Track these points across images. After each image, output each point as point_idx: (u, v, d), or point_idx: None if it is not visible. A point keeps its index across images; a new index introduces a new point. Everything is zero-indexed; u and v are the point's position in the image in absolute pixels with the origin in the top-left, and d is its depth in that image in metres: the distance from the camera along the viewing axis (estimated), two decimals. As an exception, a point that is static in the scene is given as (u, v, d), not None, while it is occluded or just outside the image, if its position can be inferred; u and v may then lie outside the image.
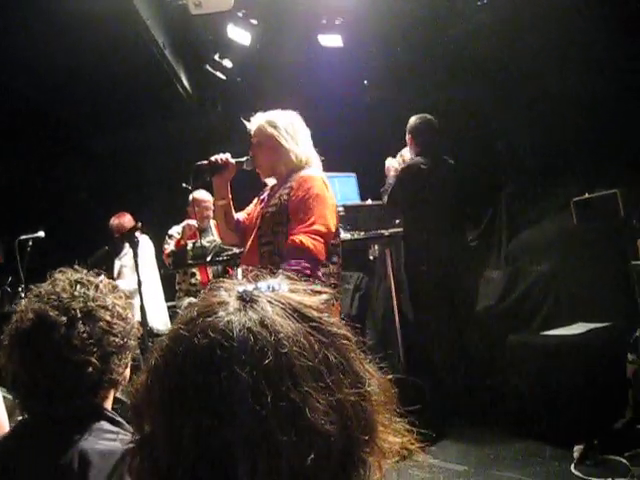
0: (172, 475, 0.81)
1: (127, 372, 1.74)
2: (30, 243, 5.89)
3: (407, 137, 5.49)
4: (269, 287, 0.91)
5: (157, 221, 5.72)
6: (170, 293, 6.11)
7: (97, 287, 1.68)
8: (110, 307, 1.65)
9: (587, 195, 5.41)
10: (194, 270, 5.91)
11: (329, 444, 0.80)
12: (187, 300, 5.73)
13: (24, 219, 6.62)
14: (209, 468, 0.79)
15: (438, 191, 5.26)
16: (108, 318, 1.63)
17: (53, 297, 1.60)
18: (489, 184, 6.32)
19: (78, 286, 1.64)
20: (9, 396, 3.21)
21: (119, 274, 5.78)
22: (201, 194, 5.55)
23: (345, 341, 0.88)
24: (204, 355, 0.81)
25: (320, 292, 0.94)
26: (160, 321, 5.58)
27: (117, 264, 5.77)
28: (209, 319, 0.85)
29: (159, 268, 5.87)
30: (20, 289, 5.70)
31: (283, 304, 0.87)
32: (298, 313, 0.86)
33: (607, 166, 5.43)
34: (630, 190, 5.15)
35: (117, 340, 1.64)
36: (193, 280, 5.93)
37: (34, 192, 7.64)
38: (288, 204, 3.22)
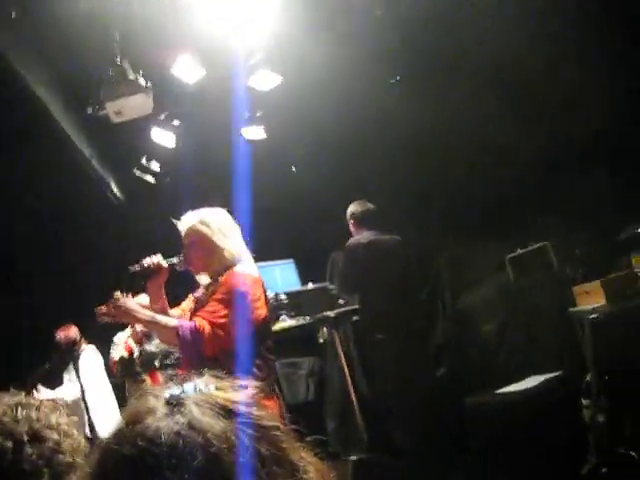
0: None
1: None
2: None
3: (351, 223, 5.66)
4: (195, 388, 0.91)
5: (102, 328, 5.61)
6: (122, 401, 5.95)
7: (38, 408, 1.64)
8: (55, 426, 1.62)
9: (520, 251, 5.57)
10: (144, 377, 5.80)
11: None
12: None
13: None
14: None
15: (383, 261, 5.40)
16: (55, 437, 1.59)
17: None
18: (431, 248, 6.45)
19: (19, 408, 1.61)
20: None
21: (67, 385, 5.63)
22: (141, 298, 5.49)
23: (277, 432, 0.89)
24: (135, 465, 0.81)
25: (246, 386, 0.95)
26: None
27: (66, 377, 5.62)
28: (138, 427, 0.85)
29: (109, 377, 5.75)
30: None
31: (210, 403, 0.87)
32: (225, 410, 0.87)
33: (537, 220, 5.62)
34: (560, 241, 5.34)
35: (66, 459, 1.60)
36: (144, 386, 5.81)
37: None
38: (211, 297, 3.26)
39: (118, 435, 0.86)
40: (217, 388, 0.92)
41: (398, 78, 6.69)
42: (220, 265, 3.35)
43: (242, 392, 0.93)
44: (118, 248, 7.36)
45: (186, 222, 3.45)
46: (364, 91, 6.66)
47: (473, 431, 4.74)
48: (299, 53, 6.06)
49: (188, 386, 0.92)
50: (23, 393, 1.70)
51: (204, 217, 3.42)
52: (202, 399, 0.88)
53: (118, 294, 3.23)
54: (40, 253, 7.66)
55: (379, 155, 6.77)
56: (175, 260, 3.46)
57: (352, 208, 5.65)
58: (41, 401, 1.66)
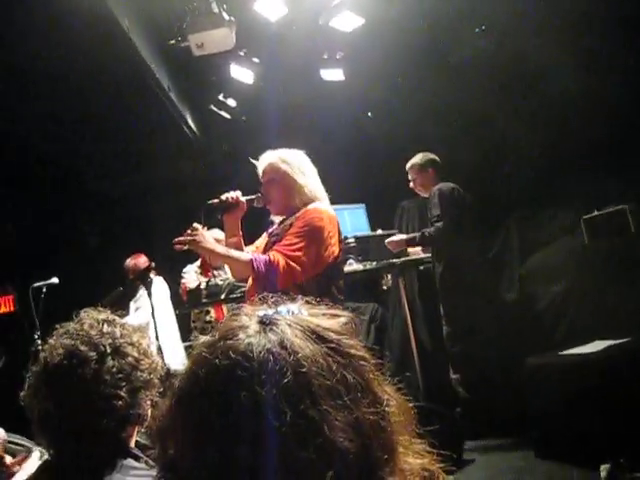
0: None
1: (150, 410, 1.76)
2: (44, 290, 5.90)
3: (429, 172, 5.55)
4: (288, 311, 0.94)
5: (170, 261, 5.74)
6: (185, 333, 6.12)
7: (123, 325, 1.71)
8: (136, 344, 1.68)
9: (596, 212, 5.43)
10: (208, 308, 5.93)
11: (348, 462, 0.82)
12: (203, 338, 5.73)
13: (37, 266, 6.66)
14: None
15: (470, 214, 5.43)
16: (135, 354, 1.66)
17: (82, 334, 1.63)
18: (499, 207, 6.33)
19: (105, 324, 1.67)
20: (26, 443, 3.22)
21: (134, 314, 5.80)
22: (214, 233, 5.59)
23: (363, 362, 0.91)
24: (225, 376, 0.84)
25: (339, 315, 0.96)
26: (177, 361, 5.58)
27: (132, 306, 5.79)
28: (230, 342, 0.88)
29: (174, 308, 5.89)
30: (35, 336, 5.71)
31: (302, 327, 0.90)
32: (316, 335, 0.89)
33: (615, 182, 5.44)
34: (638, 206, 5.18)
35: (144, 376, 1.66)
36: (208, 318, 5.94)
37: (45, 239, 7.69)
38: (287, 232, 3.28)
39: (211, 346, 0.89)
40: (310, 314, 0.94)
41: (483, 28, 6.51)
42: (300, 201, 3.37)
43: (334, 320, 0.94)
44: (191, 182, 7.49)
45: (265, 160, 3.46)
46: (447, 39, 6.52)
47: (533, 390, 4.69)
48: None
49: (282, 308, 0.95)
50: (109, 310, 1.76)
51: (284, 155, 3.43)
52: (295, 322, 0.91)
53: (196, 225, 3.28)
54: (114, 179, 7.85)
55: (454, 107, 6.63)
56: (254, 197, 3.49)
57: (430, 157, 5.58)
58: (127, 321, 1.72)
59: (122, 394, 1.60)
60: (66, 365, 1.60)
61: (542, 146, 6.03)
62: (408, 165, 5.60)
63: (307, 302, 0.99)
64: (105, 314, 1.74)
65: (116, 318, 1.74)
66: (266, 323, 0.90)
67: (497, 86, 6.24)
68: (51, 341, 1.67)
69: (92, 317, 1.70)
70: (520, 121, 6.13)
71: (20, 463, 2.78)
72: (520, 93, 6.24)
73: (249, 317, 0.93)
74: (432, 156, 5.58)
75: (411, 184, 5.63)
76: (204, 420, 0.83)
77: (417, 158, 5.58)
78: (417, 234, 5.38)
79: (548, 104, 6.00)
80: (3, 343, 7.21)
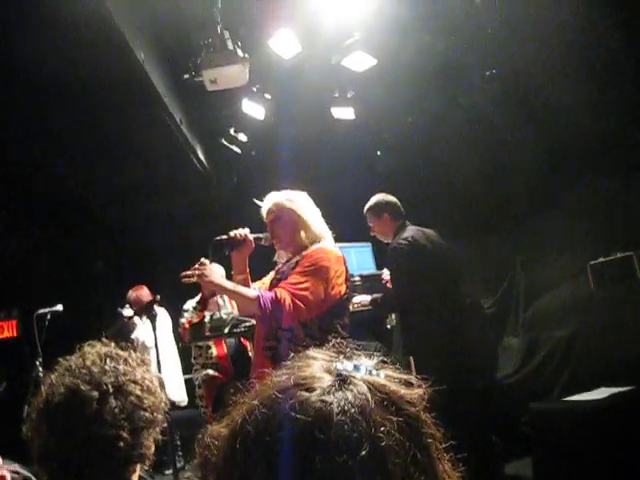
0: None
1: (153, 447, 1.74)
2: (48, 317, 5.89)
3: (383, 216, 5.02)
4: (367, 370, 0.87)
5: (172, 294, 5.73)
6: (185, 366, 6.10)
7: (126, 361, 1.69)
8: (140, 381, 1.66)
9: (602, 259, 5.42)
10: (210, 344, 5.89)
11: None
12: (204, 372, 5.70)
13: (41, 291, 6.67)
14: None
15: (441, 264, 4.94)
16: (138, 393, 1.63)
17: (84, 371, 1.61)
18: (505, 249, 6.33)
19: (108, 360, 1.65)
20: (23, 471, 3.19)
21: (135, 348, 5.78)
22: (215, 268, 5.59)
23: (431, 440, 0.85)
24: (301, 433, 0.78)
25: (413, 384, 0.90)
26: (177, 393, 5.54)
27: (134, 336, 5.78)
28: (305, 394, 0.82)
29: (176, 341, 5.89)
30: (37, 362, 5.69)
31: (381, 393, 0.84)
32: (395, 406, 0.83)
33: (622, 229, 5.45)
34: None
35: (147, 415, 1.64)
36: (209, 353, 5.90)
37: (50, 265, 7.72)
38: (293, 270, 3.28)
39: (285, 392, 0.84)
40: (388, 377, 0.88)
41: (494, 71, 6.57)
42: (305, 239, 3.38)
43: (410, 390, 0.88)
44: (199, 215, 7.52)
45: (270, 200, 3.50)
46: (457, 83, 6.58)
47: (537, 436, 4.64)
48: (396, 38, 6.02)
49: (361, 366, 0.88)
50: (113, 344, 1.74)
51: (289, 195, 3.49)
52: (374, 385, 0.84)
53: (204, 260, 3.30)
54: (122, 208, 7.88)
55: (464, 149, 6.67)
56: (262, 235, 3.51)
57: (384, 200, 5.05)
58: (129, 354, 1.70)
59: (124, 435, 1.58)
60: (67, 404, 1.58)
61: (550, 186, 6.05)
62: (364, 210, 5.12)
63: (383, 362, 0.91)
64: (108, 348, 1.73)
65: (120, 352, 1.72)
66: (345, 381, 0.84)
67: (510, 130, 6.28)
68: (53, 377, 1.65)
69: (95, 352, 1.68)
70: (531, 157, 6.16)
71: None
72: (532, 131, 6.27)
73: (325, 367, 0.87)
74: (388, 198, 5.08)
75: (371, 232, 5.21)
76: (269, 469, 0.78)
77: (370, 202, 5.09)
78: (378, 296, 5.02)
79: (561, 143, 6.02)
80: (4, 367, 7.20)
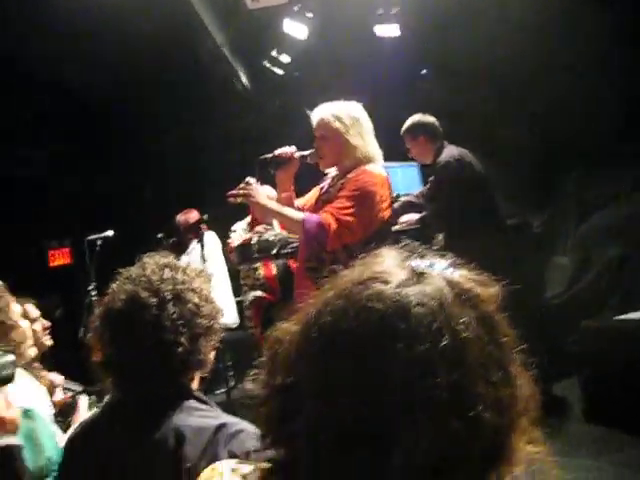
0: (317, 427, 0.80)
1: (212, 355, 1.77)
2: (99, 242, 5.99)
3: (419, 138, 5.00)
4: (442, 268, 0.87)
5: (222, 218, 5.77)
6: (235, 288, 6.18)
7: (184, 271, 1.71)
8: (197, 290, 1.68)
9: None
10: (257, 265, 5.94)
11: (494, 440, 0.78)
12: (252, 294, 5.76)
13: (91, 220, 6.78)
14: (356, 439, 0.77)
15: (485, 182, 4.97)
16: (196, 300, 1.66)
17: (144, 279, 1.64)
18: (556, 167, 6.18)
19: (167, 269, 1.68)
20: (76, 387, 3.31)
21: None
22: (265, 189, 5.59)
23: (505, 338, 0.85)
24: (380, 322, 0.78)
25: (488, 284, 0.89)
26: (229, 315, 5.63)
27: (184, 260, 5.85)
28: (381, 286, 0.82)
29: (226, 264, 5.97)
30: (90, 287, 5.83)
31: (458, 289, 0.83)
32: (472, 303, 0.83)
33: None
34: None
35: (204, 322, 1.67)
36: (257, 274, 5.96)
37: (99, 192, 7.82)
38: (339, 192, 3.25)
39: (359, 285, 0.84)
40: (462, 276, 0.87)
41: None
42: (351, 162, 3.33)
43: (486, 288, 0.88)
44: (243, 137, 7.48)
45: (319, 114, 3.41)
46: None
47: (586, 354, 4.62)
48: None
49: (437, 263, 0.88)
50: (172, 256, 1.77)
51: (339, 111, 3.36)
52: (450, 281, 0.84)
53: (250, 179, 3.29)
54: (167, 134, 7.89)
55: (510, 63, 6.44)
56: (307, 152, 3.46)
57: (420, 121, 5.02)
58: (188, 264, 1.72)
59: (182, 340, 1.61)
60: (127, 310, 1.62)
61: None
62: (401, 132, 5.08)
63: (456, 263, 0.90)
64: (168, 259, 1.75)
65: (178, 263, 1.75)
66: (420, 274, 0.84)
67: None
68: (114, 286, 1.69)
69: (154, 262, 1.70)
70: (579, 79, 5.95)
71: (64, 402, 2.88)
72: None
73: (397, 264, 0.87)
74: (424, 119, 5.03)
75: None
76: (347, 354, 0.79)
77: (406, 124, 5.06)
78: (426, 214, 4.99)
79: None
80: (59, 294, 7.40)
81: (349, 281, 0.86)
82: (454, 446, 0.76)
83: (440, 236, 6.02)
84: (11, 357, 1.52)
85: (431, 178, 5.09)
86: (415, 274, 0.84)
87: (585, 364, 4.63)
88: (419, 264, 0.87)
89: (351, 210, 3.16)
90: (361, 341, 0.79)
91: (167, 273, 1.67)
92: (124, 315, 1.62)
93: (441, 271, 0.86)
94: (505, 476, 0.83)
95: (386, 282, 0.83)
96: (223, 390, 5.81)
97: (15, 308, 2.53)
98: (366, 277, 0.85)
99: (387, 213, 3.32)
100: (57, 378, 3.21)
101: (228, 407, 4.62)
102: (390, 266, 0.86)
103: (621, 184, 5.75)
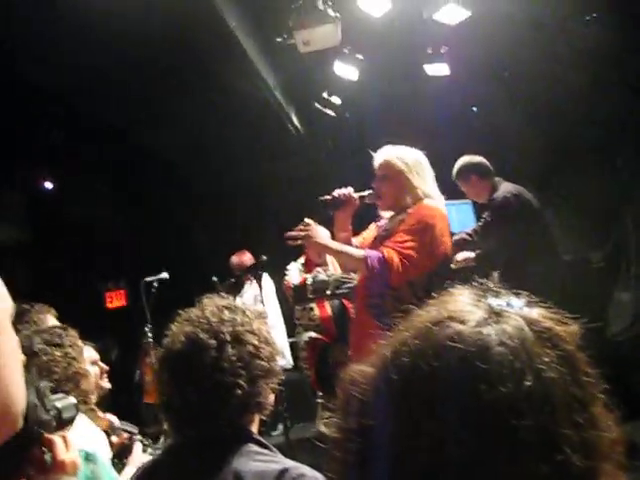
0: (398, 472, 0.78)
1: (272, 397, 1.75)
2: (155, 284, 6.06)
3: (471, 178, 4.94)
4: (519, 307, 0.84)
5: (274, 258, 5.81)
6: (288, 329, 6.17)
7: (244, 312, 1.71)
8: (257, 332, 1.68)
9: None
10: (312, 305, 5.93)
11: None
12: (307, 335, 5.75)
13: (147, 262, 6.88)
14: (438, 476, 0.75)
15: (541, 219, 4.93)
16: (255, 342, 1.65)
17: (203, 321, 1.64)
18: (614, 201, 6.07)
19: (226, 311, 1.68)
20: (131, 428, 3.32)
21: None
22: (320, 229, 5.61)
23: (587, 379, 0.81)
24: (460, 362, 0.77)
25: (567, 322, 0.86)
26: (284, 356, 5.61)
27: (238, 301, 5.88)
28: (460, 325, 0.80)
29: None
30: (146, 329, 5.88)
31: (537, 327, 0.81)
32: (552, 342, 0.80)
33: None
34: None
35: (264, 364, 1.65)
36: (311, 315, 5.94)
37: (154, 235, 7.95)
38: (399, 228, 3.23)
39: (438, 324, 0.82)
40: (539, 314, 0.84)
41: (594, 15, 6.25)
42: (410, 202, 3.32)
43: (565, 326, 0.84)
44: (295, 179, 7.55)
45: (383, 155, 3.42)
46: (556, 29, 6.30)
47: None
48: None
49: (515, 301, 0.85)
50: (231, 297, 1.77)
51: (401, 153, 3.38)
52: (529, 320, 0.81)
53: (308, 220, 3.30)
54: (221, 177, 8.01)
55: (563, 99, 6.40)
56: (366, 193, 3.47)
57: (469, 162, 4.96)
58: (247, 306, 1.72)
59: (241, 382, 1.60)
60: (187, 352, 1.62)
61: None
62: (452, 177, 5.02)
63: (531, 300, 0.87)
64: (227, 300, 1.75)
65: (237, 304, 1.75)
66: (498, 314, 0.82)
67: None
68: (173, 327, 1.69)
69: (214, 303, 1.71)
70: None
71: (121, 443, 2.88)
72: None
73: (473, 302, 0.85)
74: (471, 160, 4.99)
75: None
76: (427, 401, 0.77)
77: (455, 168, 5.01)
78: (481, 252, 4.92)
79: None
80: (115, 336, 7.49)
81: (426, 321, 0.84)
82: None
83: (495, 274, 5.95)
84: (73, 400, 1.53)
85: (485, 214, 5.05)
86: (493, 313, 0.82)
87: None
88: (495, 302, 0.84)
89: (413, 244, 3.13)
90: (442, 382, 0.77)
91: (226, 315, 1.66)
92: (183, 357, 1.62)
93: (519, 309, 0.83)
94: None
95: (464, 322, 0.81)
96: (279, 432, 5.77)
97: (86, 355, 2.56)
98: (443, 317, 0.82)
99: (448, 247, 3.29)
100: (114, 420, 3.24)
101: (285, 449, 4.59)
102: (466, 305, 0.84)
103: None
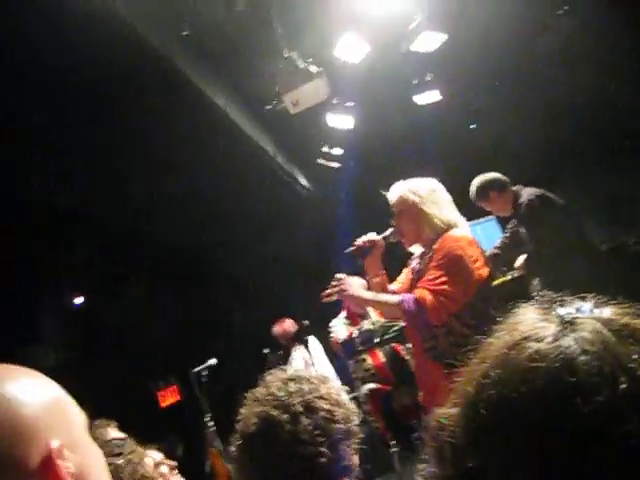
0: None
1: (356, 458, 1.71)
2: (204, 373, 6.01)
3: (490, 195, 4.99)
4: (590, 310, 0.82)
5: (316, 320, 5.77)
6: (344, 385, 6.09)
7: (309, 380, 1.68)
8: (326, 396, 1.64)
9: None
10: (363, 356, 5.87)
11: None
12: (366, 387, 5.68)
13: (192, 353, 6.86)
14: None
15: (569, 214, 4.96)
16: (328, 407, 1.61)
17: (271, 397, 1.61)
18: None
19: (291, 383, 1.65)
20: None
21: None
22: (354, 280, 5.59)
23: None
24: (550, 380, 0.73)
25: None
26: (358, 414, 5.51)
27: (289, 370, 5.83)
28: (539, 344, 0.77)
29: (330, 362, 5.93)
30: (206, 419, 5.82)
31: (616, 326, 0.78)
32: (633, 338, 0.77)
33: None
34: None
35: (341, 427, 1.62)
36: (366, 365, 5.87)
37: (193, 325, 7.95)
38: (428, 266, 3.20)
39: (515, 349, 0.79)
40: (612, 312, 0.82)
41: (565, 8, 6.26)
42: (432, 232, 3.28)
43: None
44: (318, 237, 7.56)
45: (395, 192, 3.41)
46: (532, 31, 6.35)
47: None
48: (459, 8, 5.89)
49: (584, 306, 0.82)
50: (292, 369, 1.74)
51: (413, 186, 3.35)
52: (605, 321, 0.79)
53: (339, 275, 3.28)
54: (238, 256, 8.04)
55: (558, 104, 6.41)
56: (388, 232, 3.45)
57: (485, 180, 4.99)
58: (310, 374, 1.69)
59: (323, 450, 1.56)
60: (261, 432, 1.59)
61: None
62: (472, 199, 5.05)
63: (598, 300, 0.84)
64: (289, 372, 1.73)
65: (301, 374, 1.72)
66: (571, 322, 0.79)
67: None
68: (243, 411, 1.66)
69: (277, 378, 1.68)
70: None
71: None
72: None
73: (542, 317, 0.82)
74: (485, 178, 5.01)
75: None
76: (526, 429, 0.73)
77: (471, 191, 5.03)
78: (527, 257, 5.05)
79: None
80: (175, 432, 7.43)
81: (501, 348, 0.81)
82: None
83: (536, 281, 5.88)
84: None
85: (509, 225, 5.04)
86: (566, 323, 0.79)
87: None
88: (565, 312, 0.81)
89: (444, 278, 3.09)
90: (535, 406, 0.73)
91: (292, 386, 1.63)
92: (260, 437, 1.58)
93: (590, 313, 0.81)
94: None
95: (540, 339, 0.78)
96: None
97: (148, 461, 2.51)
98: (518, 339, 0.80)
99: (485, 271, 3.22)
100: None
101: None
102: (536, 322, 0.81)
103: None
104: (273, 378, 1.68)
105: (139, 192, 5.99)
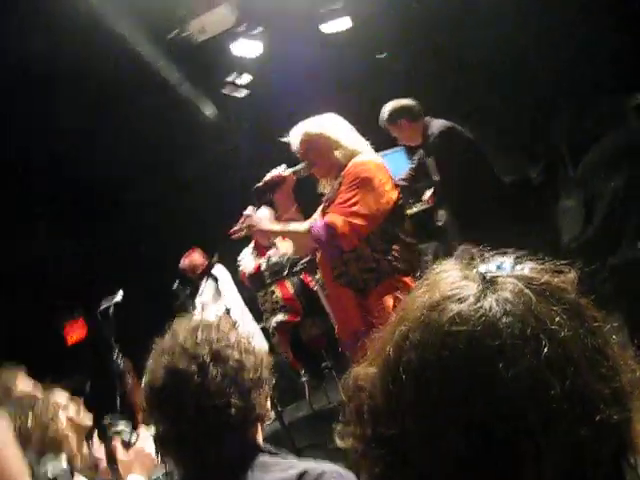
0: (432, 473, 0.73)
1: (268, 404, 1.70)
2: (111, 310, 5.89)
3: (400, 123, 4.92)
4: (511, 267, 0.80)
5: (224, 250, 5.70)
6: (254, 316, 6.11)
7: (218, 327, 1.64)
8: (236, 344, 1.61)
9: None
10: (273, 288, 5.88)
11: (620, 439, 0.72)
12: (274, 319, 5.72)
13: (96, 288, 6.71)
14: (477, 467, 0.71)
15: (477, 147, 4.99)
16: (237, 356, 1.59)
17: (178, 349, 1.57)
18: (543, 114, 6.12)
19: (199, 331, 1.61)
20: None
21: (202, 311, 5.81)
22: (262, 212, 5.55)
23: (596, 323, 0.78)
24: (470, 345, 0.71)
25: (562, 272, 0.81)
26: (257, 343, 5.55)
27: (198, 302, 5.79)
28: (459, 305, 0.75)
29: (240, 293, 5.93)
30: (114, 355, 5.74)
31: (537, 285, 0.76)
32: (554, 296, 0.76)
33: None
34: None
35: (251, 375, 1.60)
36: (274, 297, 5.90)
37: (95, 258, 7.77)
38: (338, 192, 3.19)
39: (435, 310, 0.76)
40: (533, 269, 0.80)
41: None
42: (342, 157, 3.27)
43: (562, 277, 0.80)
44: (225, 167, 7.43)
45: (298, 132, 3.38)
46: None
47: (621, 291, 4.54)
48: None
49: (505, 263, 0.80)
50: (201, 315, 1.71)
51: (314, 121, 3.36)
52: (526, 280, 0.77)
53: (247, 211, 3.25)
54: (146, 183, 7.84)
55: (470, 32, 6.38)
56: (299, 167, 3.41)
57: (397, 106, 4.93)
58: (220, 319, 1.66)
59: (233, 400, 1.54)
60: (170, 385, 1.56)
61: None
62: (381, 124, 4.99)
63: (518, 256, 0.83)
64: (197, 320, 1.68)
65: (209, 321, 1.68)
66: (492, 281, 0.77)
67: None
68: (150, 362, 1.62)
69: (184, 327, 1.63)
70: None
71: None
72: None
73: (462, 275, 0.80)
74: (398, 104, 4.95)
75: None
76: (447, 394, 0.72)
77: (382, 114, 4.97)
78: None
79: None
80: (84, 369, 7.30)
81: (421, 307, 0.78)
82: (586, 454, 0.70)
83: (442, 211, 5.99)
84: (64, 465, 1.45)
85: (415, 156, 5.07)
86: (487, 282, 0.77)
87: (621, 299, 4.54)
88: (486, 269, 0.79)
89: (354, 199, 3.09)
90: (457, 371, 0.72)
91: (200, 335, 1.59)
92: (168, 390, 1.55)
93: (511, 271, 0.79)
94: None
95: (461, 299, 0.75)
96: (272, 418, 5.75)
97: (62, 417, 2.42)
98: (438, 299, 0.77)
99: (394, 195, 3.24)
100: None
101: (282, 434, 4.57)
102: (458, 280, 0.79)
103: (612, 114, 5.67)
104: (180, 327, 1.64)
105: (39, 126, 5.69)
